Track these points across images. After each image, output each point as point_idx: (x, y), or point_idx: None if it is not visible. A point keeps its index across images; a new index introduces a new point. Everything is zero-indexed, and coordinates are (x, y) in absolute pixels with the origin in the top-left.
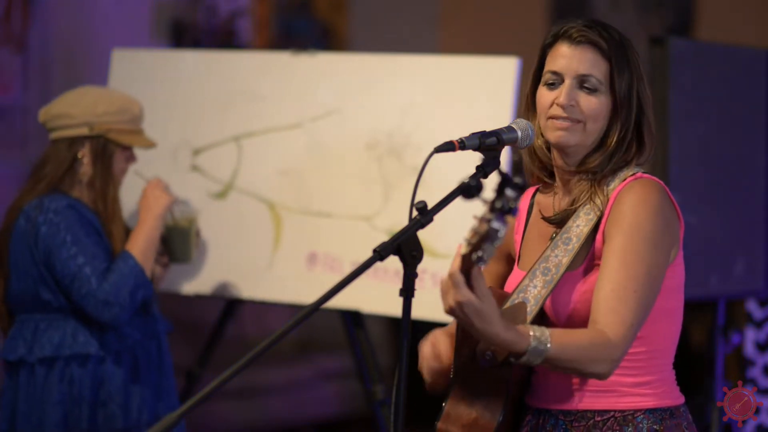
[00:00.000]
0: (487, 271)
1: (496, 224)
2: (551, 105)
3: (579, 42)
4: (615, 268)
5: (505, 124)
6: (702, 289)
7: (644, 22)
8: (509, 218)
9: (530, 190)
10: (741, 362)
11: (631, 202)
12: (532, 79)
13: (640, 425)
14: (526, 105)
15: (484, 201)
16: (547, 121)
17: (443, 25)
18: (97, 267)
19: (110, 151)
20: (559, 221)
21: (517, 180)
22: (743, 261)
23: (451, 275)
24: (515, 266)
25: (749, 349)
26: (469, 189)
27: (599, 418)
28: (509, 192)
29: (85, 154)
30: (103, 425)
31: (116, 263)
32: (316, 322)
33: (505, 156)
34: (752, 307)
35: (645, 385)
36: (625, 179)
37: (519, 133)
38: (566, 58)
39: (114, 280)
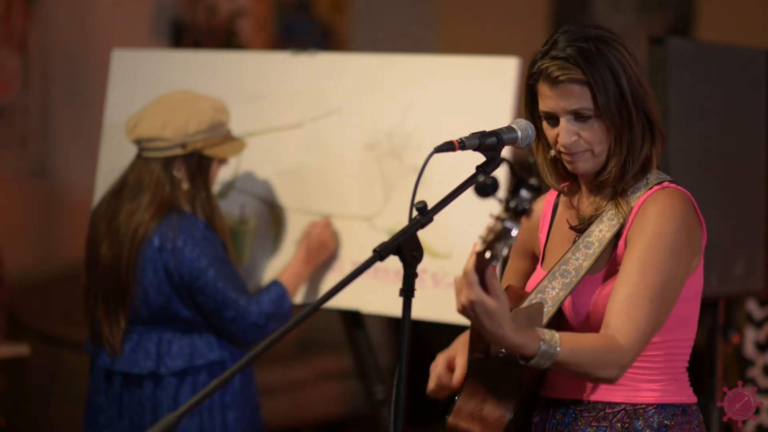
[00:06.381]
0: (511, 268)
1: (509, 224)
2: (555, 142)
3: (560, 82)
4: (633, 275)
5: (505, 124)
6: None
7: (644, 22)
8: (524, 219)
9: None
10: (741, 362)
11: (655, 212)
12: (527, 106)
13: (651, 419)
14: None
15: (499, 200)
16: (558, 153)
17: (443, 25)
18: (241, 287)
19: (205, 164)
20: (583, 229)
21: (533, 181)
22: (743, 261)
23: (465, 273)
24: (539, 265)
25: (749, 349)
26: (484, 187)
27: (610, 410)
28: (524, 193)
29: (181, 171)
30: (233, 428)
31: (270, 291)
32: (316, 322)
33: (508, 155)
34: (752, 307)
35: (658, 382)
36: (651, 188)
37: (519, 133)
38: (553, 99)
39: (265, 307)
